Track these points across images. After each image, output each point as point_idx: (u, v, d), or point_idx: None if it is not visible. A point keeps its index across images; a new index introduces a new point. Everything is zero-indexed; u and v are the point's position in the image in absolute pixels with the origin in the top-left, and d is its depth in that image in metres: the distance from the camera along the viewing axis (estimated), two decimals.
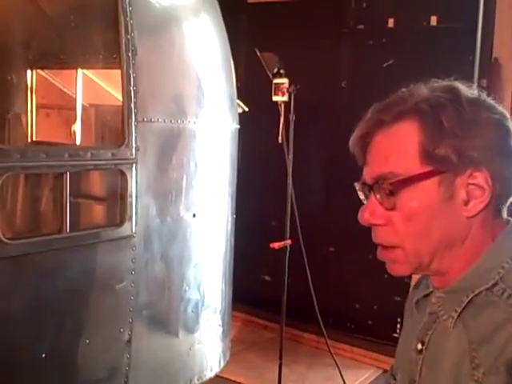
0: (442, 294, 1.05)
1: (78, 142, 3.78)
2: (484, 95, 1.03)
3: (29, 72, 3.81)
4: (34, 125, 3.71)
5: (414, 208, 0.98)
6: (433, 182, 0.97)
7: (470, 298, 0.99)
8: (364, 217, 1.01)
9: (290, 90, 3.76)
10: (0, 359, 2.15)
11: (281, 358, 3.74)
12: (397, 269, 1.03)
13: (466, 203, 0.98)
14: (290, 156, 3.82)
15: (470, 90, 1.02)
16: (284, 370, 3.78)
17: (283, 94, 3.81)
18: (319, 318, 3.89)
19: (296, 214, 3.85)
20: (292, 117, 3.81)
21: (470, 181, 0.97)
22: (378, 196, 1.00)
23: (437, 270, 1.03)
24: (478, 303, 0.99)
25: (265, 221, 4.90)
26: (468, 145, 0.96)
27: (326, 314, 4.11)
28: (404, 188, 0.97)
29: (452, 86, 1.02)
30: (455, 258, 1.01)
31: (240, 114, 3.44)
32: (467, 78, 1.09)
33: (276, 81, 3.80)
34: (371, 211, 1.01)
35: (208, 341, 3.08)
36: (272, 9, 5.11)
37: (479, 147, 0.96)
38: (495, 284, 0.97)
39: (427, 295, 1.10)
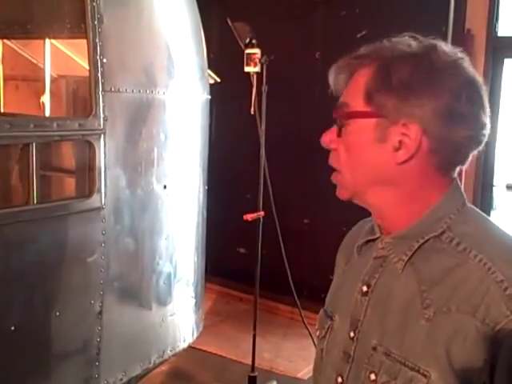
0: (390, 240, 1.12)
1: (47, 113, 3.72)
2: (462, 61, 1.07)
3: None
4: (1, 96, 3.63)
5: (352, 140, 1.10)
6: (370, 122, 1.07)
7: (420, 243, 1.07)
8: (323, 139, 1.14)
9: (262, 60, 3.72)
10: None
11: (255, 329, 3.76)
12: (339, 192, 1.15)
13: (397, 150, 1.06)
14: (263, 127, 3.79)
15: (450, 52, 1.08)
16: (258, 340, 3.81)
17: (255, 65, 3.77)
18: (293, 290, 3.92)
19: (269, 185, 3.84)
20: (264, 88, 3.77)
21: (404, 131, 1.05)
22: (335, 127, 1.13)
23: (374, 205, 1.13)
24: (426, 249, 1.07)
25: (239, 193, 4.89)
26: (408, 103, 1.04)
27: (300, 285, 4.14)
28: (348, 120, 1.10)
29: (430, 48, 1.07)
30: (391, 200, 1.10)
31: (212, 85, 3.40)
32: None
33: (248, 51, 3.76)
34: (330, 136, 1.13)
35: (181, 312, 3.08)
36: None
37: (418, 105, 1.03)
38: (443, 232, 1.06)
39: (371, 240, 1.18)
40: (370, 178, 1.10)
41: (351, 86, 1.11)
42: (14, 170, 2.77)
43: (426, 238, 1.06)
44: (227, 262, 4.86)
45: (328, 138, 1.13)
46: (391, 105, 1.05)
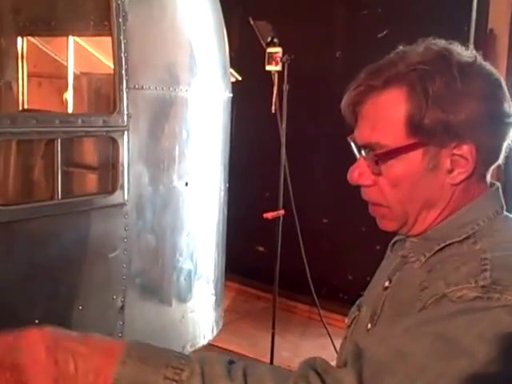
0: (415, 240, 1.10)
1: (70, 110, 3.75)
2: (480, 60, 1.03)
3: (19, 39, 3.76)
4: (25, 93, 3.67)
5: (399, 176, 1.02)
6: (417, 153, 1.00)
7: (440, 246, 1.04)
8: (353, 177, 1.05)
9: (284, 59, 3.72)
10: None
11: (274, 328, 3.76)
12: (385, 224, 1.09)
13: (450, 172, 1.01)
14: (284, 125, 3.80)
15: (465, 54, 1.02)
16: (277, 339, 3.81)
17: (277, 64, 3.77)
18: (312, 289, 3.91)
19: (289, 184, 3.84)
20: (285, 86, 3.78)
21: (455, 151, 1.00)
22: (365, 160, 1.04)
23: (419, 226, 1.08)
24: (445, 252, 1.03)
25: (258, 191, 4.90)
26: (454, 118, 0.97)
27: (319, 284, 4.13)
28: (389, 159, 1.01)
29: (445, 52, 1.01)
30: (435, 213, 1.06)
31: (233, 83, 3.42)
32: None
33: (269, 50, 3.76)
34: (360, 172, 1.04)
35: (201, 309, 3.10)
36: None
37: (466, 121, 0.98)
38: (467, 238, 1.02)
39: (404, 240, 1.16)
40: (423, 205, 1.05)
41: (377, 120, 1.01)
42: (39, 165, 2.80)
43: (448, 242, 1.03)
44: (245, 260, 4.87)
45: (358, 175, 1.05)
46: (438, 129, 0.98)
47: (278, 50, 3.74)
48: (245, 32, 4.24)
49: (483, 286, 0.90)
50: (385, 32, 4.49)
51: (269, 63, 3.78)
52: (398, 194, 1.03)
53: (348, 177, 1.05)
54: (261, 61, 3.77)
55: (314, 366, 0.89)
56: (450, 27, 4.15)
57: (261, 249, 5.13)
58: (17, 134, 2.25)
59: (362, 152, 1.04)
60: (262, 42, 3.78)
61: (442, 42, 1.04)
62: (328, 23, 4.85)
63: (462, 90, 0.98)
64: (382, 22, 4.54)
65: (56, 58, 4.19)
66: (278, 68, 3.75)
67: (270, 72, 3.79)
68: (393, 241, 1.20)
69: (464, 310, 0.89)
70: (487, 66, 1.03)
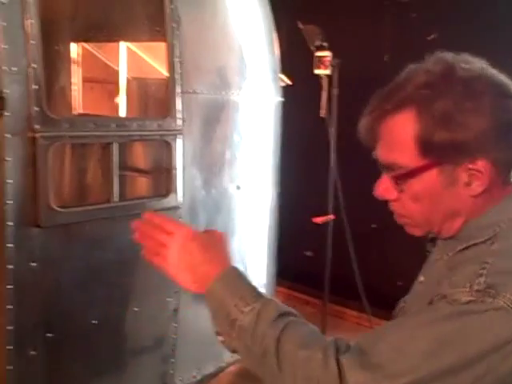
0: (444, 240, 1.16)
1: (122, 114, 3.80)
2: (488, 71, 1.04)
3: (73, 45, 3.84)
4: (79, 97, 3.74)
5: (419, 193, 1.07)
6: (433, 172, 1.04)
7: (463, 246, 1.08)
8: (378, 192, 1.12)
9: (334, 63, 3.71)
10: (53, 325, 2.19)
11: (324, 333, 3.73)
12: (411, 230, 1.15)
13: (469, 184, 1.04)
14: (333, 129, 3.77)
15: (473, 67, 1.03)
16: None
17: (326, 68, 3.76)
18: (362, 295, 3.87)
19: (339, 189, 3.81)
20: (335, 90, 3.76)
21: (471, 166, 1.03)
22: (388, 178, 1.10)
23: (446, 232, 1.13)
24: (468, 253, 1.08)
25: (306, 196, 4.87)
26: (463, 137, 1.00)
27: (367, 290, 4.09)
28: (407, 179, 1.06)
29: (450, 69, 1.03)
30: (461, 221, 1.11)
31: (282, 88, 3.42)
32: None
33: (318, 54, 3.75)
34: (384, 188, 1.11)
35: None
36: None
37: (475, 138, 1.00)
38: (488, 239, 1.06)
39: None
40: (445, 216, 1.10)
41: (392, 142, 1.06)
42: (95, 168, 2.85)
43: (471, 243, 1.07)
44: (293, 264, 4.83)
45: (383, 191, 1.11)
46: (448, 148, 1.02)
47: (328, 53, 3.73)
48: (291, 35, 4.24)
49: (478, 291, 0.94)
50: (434, 35, 4.43)
51: (317, 67, 3.77)
52: (420, 208, 1.09)
53: (374, 191, 1.12)
54: (308, 64, 3.76)
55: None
56: (500, 30, 4.07)
57: (308, 253, 5.10)
58: (75, 137, 2.28)
59: (385, 170, 1.11)
60: (310, 46, 3.77)
61: (449, 56, 1.06)
62: (376, 26, 4.81)
63: (469, 107, 1.00)
64: (431, 25, 4.48)
65: (108, 63, 4.26)
66: (327, 72, 3.74)
67: (317, 76, 3.78)
68: (430, 237, 1.25)
69: (458, 313, 0.94)
70: (495, 75, 1.04)
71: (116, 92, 3.87)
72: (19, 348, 2.12)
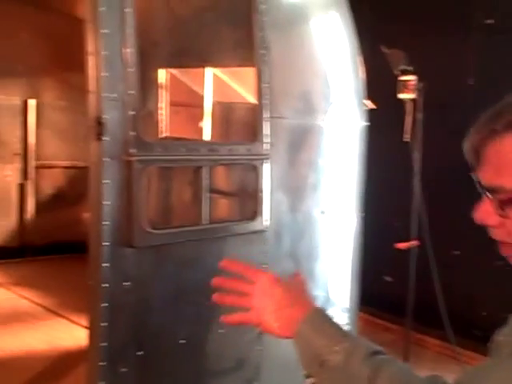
0: None
1: (207, 138, 3.89)
2: None
3: (162, 71, 3.97)
4: (166, 121, 3.86)
5: None
6: None
7: None
8: (479, 217, 1.03)
9: (419, 87, 3.67)
10: (144, 343, 2.25)
11: (407, 360, 3.65)
12: None
13: None
14: (417, 154, 3.72)
15: None
16: None
17: (410, 92, 3.72)
18: (445, 323, 3.76)
19: (423, 214, 3.74)
20: (419, 115, 3.71)
21: None
22: (491, 202, 1.02)
23: None
24: None
25: (386, 220, 4.81)
26: None
27: (450, 318, 3.97)
28: None
29: None
30: None
31: (366, 112, 3.40)
32: None
33: (403, 78, 3.72)
34: (485, 212, 1.02)
35: None
36: (396, 1, 5.00)
37: None
38: None
39: None
40: None
41: (500, 164, 0.99)
42: (186, 191, 2.92)
43: None
44: (373, 290, 4.77)
45: (483, 215, 1.03)
46: None
47: (412, 77, 3.69)
48: (373, 59, 4.23)
49: None
50: None
51: (401, 91, 3.74)
52: None
53: (474, 216, 1.04)
54: (392, 88, 3.73)
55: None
56: None
57: (388, 279, 5.02)
58: (168, 161, 2.35)
59: (487, 193, 1.02)
60: (394, 70, 3.74)
61: None
62: (461, 49, 4.73)
63: None
64: None
65: (194, 88, 4.37)
66: (412, 96, 3.70)
67: (401, 100, 3.74)
68: None
69: None
70: None
71: (200, 116, 3.97)
72: (111, 364, 2.19)
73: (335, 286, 3.04)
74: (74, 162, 5.88)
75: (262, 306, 1.18)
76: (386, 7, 5.04)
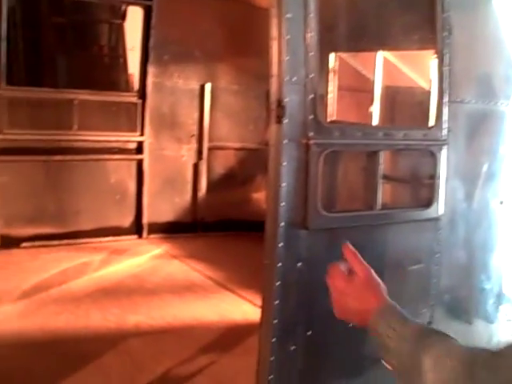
0: None
1: (374, 123, 3.84)
2: None
3: (332, 54, 3.98)
4: (334, 105, 3.87)
5: None
6: None
7: None
8: None
9: None
10: (313, 324, 2.29)
11: None
12: None
13: None
14: None
15: None
16: None
17: None
18: None
19: None
20: None
21: None
22: None
23: None
24: None
25: None
26: None
27: None
28: None
29: None
30: None
31: None
32: None
33: None
34: None
35: (504, 337, 2.92)
36: None
37: None
38: None
39: None
40: None
41: None
42: (359, 176, 2.92)
43: None
44: None
45: None
46: None
47: None
48: None
49: None
50: None
51: None
52: None
53: None
54: None
55: None
56: None
57: None
58: (344, 145, 2.36)
59: None
60: None
61: None
62: None
63: None
64: None
65: (363, 72, 4.33)
66: None
67: None
68: None
69: None
70: None
71: (367, 100, 3.93)
72: (281, 342, 2.25)
73: (510, 281, 2.89)
74: (244, 143, 6.10)
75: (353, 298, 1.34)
76: None
